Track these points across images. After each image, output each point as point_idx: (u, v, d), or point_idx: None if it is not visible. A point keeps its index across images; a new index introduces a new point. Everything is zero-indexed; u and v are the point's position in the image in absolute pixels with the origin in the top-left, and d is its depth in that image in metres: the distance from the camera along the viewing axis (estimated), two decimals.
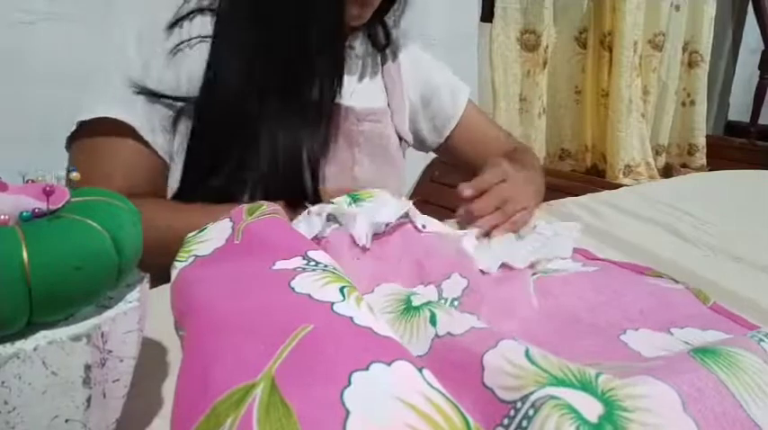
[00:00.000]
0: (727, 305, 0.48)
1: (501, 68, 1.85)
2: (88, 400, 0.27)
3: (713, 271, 0.56)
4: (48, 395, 0.26)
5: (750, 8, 2.40)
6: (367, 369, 0.23)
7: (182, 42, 0.64)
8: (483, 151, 0.89)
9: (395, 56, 0.85)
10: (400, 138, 0.84)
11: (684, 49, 2.25)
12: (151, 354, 0.39)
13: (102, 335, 0.28)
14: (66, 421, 0.27)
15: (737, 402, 0.27)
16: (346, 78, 0.74)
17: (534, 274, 0.52)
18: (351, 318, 0.27)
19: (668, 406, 0.26)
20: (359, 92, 0.77)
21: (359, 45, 0.80)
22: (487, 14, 1.83)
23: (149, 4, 0.66)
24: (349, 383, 0.23)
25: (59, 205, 0.29)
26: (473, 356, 0.30)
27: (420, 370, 0.24)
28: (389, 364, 0.24)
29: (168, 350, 0.40)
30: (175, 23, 0.65)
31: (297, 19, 0.63)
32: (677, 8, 2.14)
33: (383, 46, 0.82)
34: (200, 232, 0.40)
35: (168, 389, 0.37)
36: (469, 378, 0.30)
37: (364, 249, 0.48)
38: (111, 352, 0.28)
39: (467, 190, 0.62)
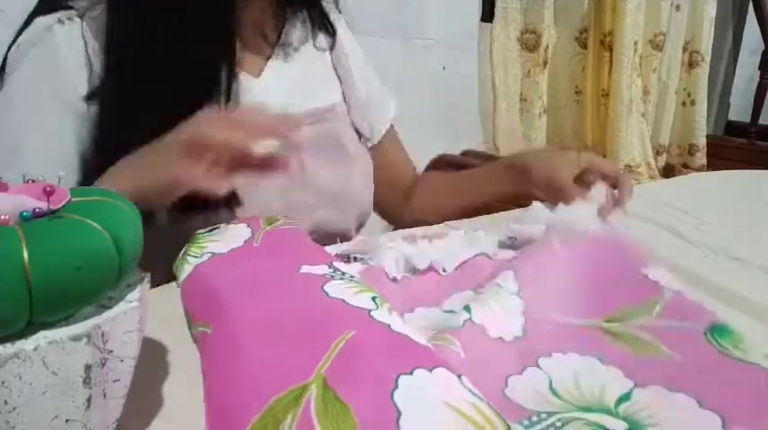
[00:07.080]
0: (726, 305, 0.48)
1: (501, 68, 1.85)
2: (88, 400, 0.27)
3: (713, 271, 0.56)
4: (48, 395, 0.26)
5: (750, 8, 2.40)
6: (411, 373, 0.25)
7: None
8: (395, 175, 0.84)
9: (341, 44, 0.77)
10: (360, 134, 0.77)
11: (685, 49, 2.25)
12: (151, 354, 0.39)
13: (103, 335, 0.28)
14: (67, 421, 0.27)
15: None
16: (288, 77, 0.70)
17: None
18: (389, 326, 0.28)
19: (684, 410, 0.29)
20: (297, 90, 0.71)
21: (296, 35, 0.73)
22: (488, 14, 1.83)
23: None
24: (397, 386, 0.24)
25: (60, 205, 0.29)
26: (499, 374, 0.33)
27: (459, 377, 0.25)
28: (431, 371, 0.25)
29: (168, 350, 0.40)
30: None
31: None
32: (677, 8, 2.14)
33: (328, 37, 0.76)
34: (210, 231, 0.41)
35: (168, 389, 0.37)
36: (488, 382, 0.31)
37: (395, 281, 0.47)
38: (111, 352, 0.28)
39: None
